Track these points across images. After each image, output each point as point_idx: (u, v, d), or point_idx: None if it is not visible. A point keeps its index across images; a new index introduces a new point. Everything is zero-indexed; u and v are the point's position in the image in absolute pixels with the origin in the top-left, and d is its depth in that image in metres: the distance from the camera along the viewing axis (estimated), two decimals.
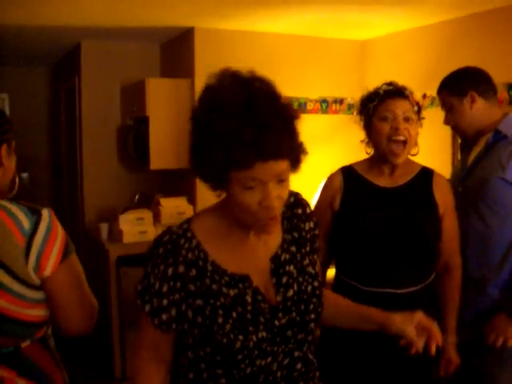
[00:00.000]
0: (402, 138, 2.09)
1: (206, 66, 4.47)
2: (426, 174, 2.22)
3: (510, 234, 2.34)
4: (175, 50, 4.95)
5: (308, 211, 1.54)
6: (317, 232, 1.56)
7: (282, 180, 1.29)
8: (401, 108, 2.10)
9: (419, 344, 1.49)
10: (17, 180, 1.75)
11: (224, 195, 1.39)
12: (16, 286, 1.53)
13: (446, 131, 2.69)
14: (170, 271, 1.35)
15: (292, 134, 1.30)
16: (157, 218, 4.45)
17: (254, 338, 1.34)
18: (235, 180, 1.27)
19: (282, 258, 1.45)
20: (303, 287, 1.45)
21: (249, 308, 1.36)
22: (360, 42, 5.03)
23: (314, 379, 1.52)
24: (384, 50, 4.83)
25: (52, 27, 4.38)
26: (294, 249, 1.48)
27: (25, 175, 5.85)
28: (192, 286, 1.36)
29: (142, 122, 4.57)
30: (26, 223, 1.55)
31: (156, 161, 4.49)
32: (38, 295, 1.59)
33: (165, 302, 1.36)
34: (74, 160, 5.45)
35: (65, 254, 1.60)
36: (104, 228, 4.53)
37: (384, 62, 4.80)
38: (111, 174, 5.12)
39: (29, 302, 1.57)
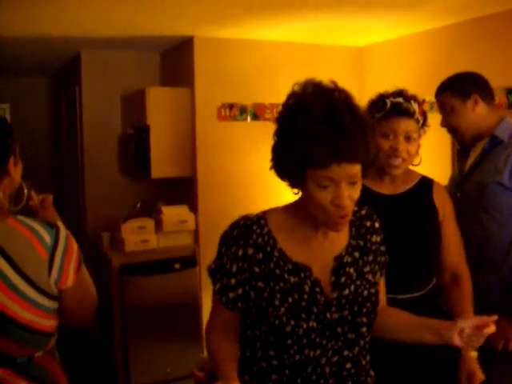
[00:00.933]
0: (399, 159, 2.10)
1: (205, 75, 4.51)
2: (426, 182, 2.24)
3: (508, 238, 2.36)
4: (175, 58, 4.97)
5: (377, 226, 1.65)
6: (383, 248, 1.65)
7: (354, 182, 1.42)
8: (404, 128, 2.08)
9: (469, 347, 1.51)
10: (25, 191, 1.79)
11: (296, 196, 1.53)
12: (40, 299, 1.59)
13: (446, 136, 2.71)
14: (240, 252, 1.49)
15: (366, 141, 1.41)
16: (159, 226, 4.46)
17: (304, 325, 1.44)
18: (311, 178, 1.39)
19: (345, 260, 1.55)
20: (359, 290, 1.53)
21: (305, 297, 1.47)
22: (358, 48, 5.06)
23: None
24: (382, 55, 4.86)
25: (52, 38, 4.41)
26: (357, 254, 1.58)
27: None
28: (257, 268, 1.48)
29: (143, 131, 4.59)
30: (47, 238, 1.60)
31: (157, 169, 4.50)
32: (54, 305, 1.64)
33: (233, 280, 1.49)
34: (76, 169, 5.48)
35: (79, 265, 1.67)
36: (106, 237, 4.55)
37: (382, 68, 4.82)
38: (112, 183, 5.14)
39: (46, 312, 1.62)
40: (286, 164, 1.44)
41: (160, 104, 4.51)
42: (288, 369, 1.48)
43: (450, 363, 2.14)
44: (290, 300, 1.45)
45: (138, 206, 4.99)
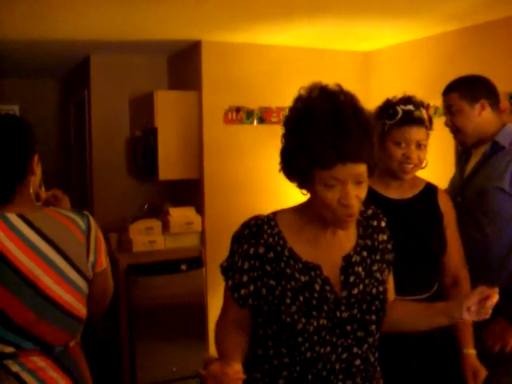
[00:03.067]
0: (411, 166, 2.14)
1: (213, 79, 4.55)
2: (431, 188, 2.28)
3: (507, 242, 2.38)
4: (183, 62, 5.02)
5: (383, 225, 1.68)
6: (390, 246, 1.68)
7: (360, 182, 1.45)
8: (416, 136, 2.11)
9: (479, 317, 1.53)
10: (43, 188, 1.88)
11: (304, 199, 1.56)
12: (79, 281, 1.71)
13: (450, 140, 2.74)
14: (251, 250, 1.52)
15: (371, 142, 1.45)
16: (166, 227, 4.51)
17: (315, 323, 1.48)
18: (318, 179, 1.43)
19: (353, 259, 1.58)
20: (368, 289, 1.57)
21: (315, 295, 1.50)
22: (363, 53, 5.09)
23: (372, 381, 1.60)
24: (387, 61, 4.89)
25: (62, 41, 4.46)
26: (365, 254, 1.61)
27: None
28: (268, 266, 1.51)
29: (151, 134, 4.63)
30: (82, 223, 1.73)
31: (165, 171, 4.55)
32: (87, 290, 1.76)
33: (245, 278, 1.53)
34: (84, 171, 5.53)
35: (106, 250, 1.81)
36: (114, 238, 4.60)
37: (387, 73, 4.85)
38: (120, 185, 5.18)
39: (83, 296, 1.74)
40: (293, 166, 1.48)
41: (168, 107, 4.56)
42: (299, 365, 1.51)
43: (452, 361, 2.18)
44: (301, 298, 1.49)
45: (146, 207, 5.04)
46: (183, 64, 5.01)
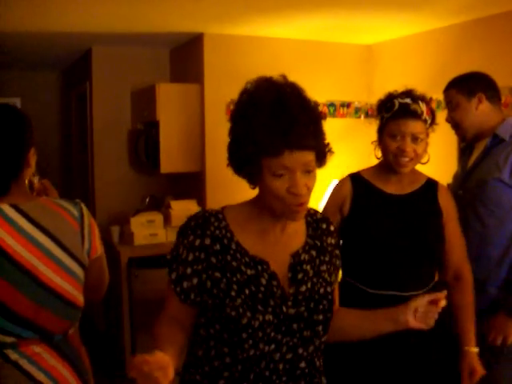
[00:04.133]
0: (407, 159, 2.13)
1: (215, 71, 4.54)
2: (432, 184, 2.27)
3: (508, 234, 2.40)
4: (185, 55, 5.01)
5: (332, 228, 1.66)
6: (337, 252, 1.66)
7: (309, 171, 1.43)
8: (411, 129, 2.10)
9: (424, 325, 1.50)
10: (36, 179, 1.89)
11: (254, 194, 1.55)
12: (76, 268, 1.72)
13: (452, 134, 2.73)
14: (197, 242, 1.49)
15: (317, 129, 1.45)
16: (167, 220, 4.51)
17: (261, 318, 1.44)
18: (266, 168, 1.41)
19: (302, 257, 1.55)
20: (316, 288, 1.54)
21: (261, 289, 1.47)
22: (367, 46, 5.07)
23: None
24: (390, 54, 4.87)
25: (63, 33, 4.45)
26: (313, 253, 1.58)
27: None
28: (214, 258, 1.48)
29: (153, 127, 4.63)
30: (75, 211, 1.74)
31: (166, 164, 4.55)
32: (84, 278, 1.76)
33: (189, 270, 1.48)
34: (85, 164, 5.53)
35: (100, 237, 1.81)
36: (115, 231, 4.60)
37: (390, 66, 4.84)
38: (122, 178, 5.18)
39: (80, 284, 1.74)
40: (241, 157, 1.47)
41: (170, 100, 4.55)
42: (241, 364, 1.47)
43: (447, 361, 2.18)
44: (247, 291, 1.45)
45: (147, 200, 5.04)
46: (185, 57, 5.00)
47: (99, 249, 1.82)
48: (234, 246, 1.50)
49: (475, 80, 2.54)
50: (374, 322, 1.61)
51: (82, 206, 1.79)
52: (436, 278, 2.25)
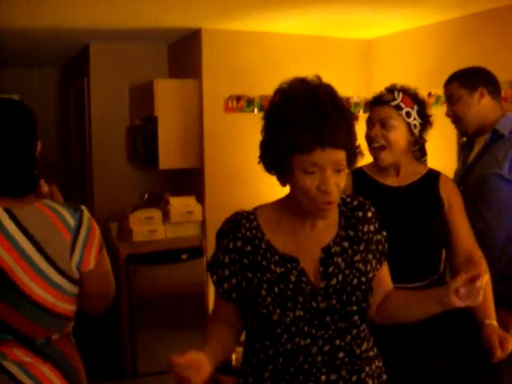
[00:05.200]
0: (376, 144, 2.15)
1: (213, 67, 4.54)
2: (433, 175, 2.27)
3: (507, 229, 2.40)
4: (183, 50, 5.00)
5: (369, 215, 1.65)
6: (379, 237, 1.65)
7: (339, 170, 1.46)
8: (378, 115, 2.15)
9: (471, 302, 1.46)
10: (42, 181, 1.86)
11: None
12: (60, 280, 1.65)
13: (452, 129, 2.73)
14: (231, 245, 1.56)
15: (349, 129, 1.48)
16: (166, 217, 4.50)
17: (291, 314, 1.49)
18: (298, 165, 1.44)
19: (333, 250, 1.57)
20: (348, 279, 1.55)
21: (290, 286, 1.51)
22: (366, 41, 5.06)
23: (361, 373, 1.57)
24: (389, 48, 4.86)
25: (61, 29, 4.44)
26: (346, 244, 1.59)
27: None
28: (246, 259, 1.54)
29: (151, 123, 4.62)
30: (71, 220, 1.67)
31: (165, 160, 4.54)
32: (74, 289, 1.70)
33: (226, 272, 1.56)
34: (84, 160, 5.52)
35: (101, 249, 1.74)
36: (114, 227, 4.60)
37: (390, 61, 4.82)
38: (120, 174, 5.18)
39: (66, 295, 1.68)
40: (273, 154, 1.50)
41: (168, 96, 4.54)
42: (282, 357, 1.52)
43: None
44: (276, 290, 1.50)
45: (146, 196, 5.03)
46: (183, 52, 4.99)
47: (92, 263, 1.71)
48: (264, 246, 1.54)
49: (477, 74, 2.54)
50: (421, 303, 1.60)
51: (85, 215, 1.71)
52: (441, 269, 2.24)
